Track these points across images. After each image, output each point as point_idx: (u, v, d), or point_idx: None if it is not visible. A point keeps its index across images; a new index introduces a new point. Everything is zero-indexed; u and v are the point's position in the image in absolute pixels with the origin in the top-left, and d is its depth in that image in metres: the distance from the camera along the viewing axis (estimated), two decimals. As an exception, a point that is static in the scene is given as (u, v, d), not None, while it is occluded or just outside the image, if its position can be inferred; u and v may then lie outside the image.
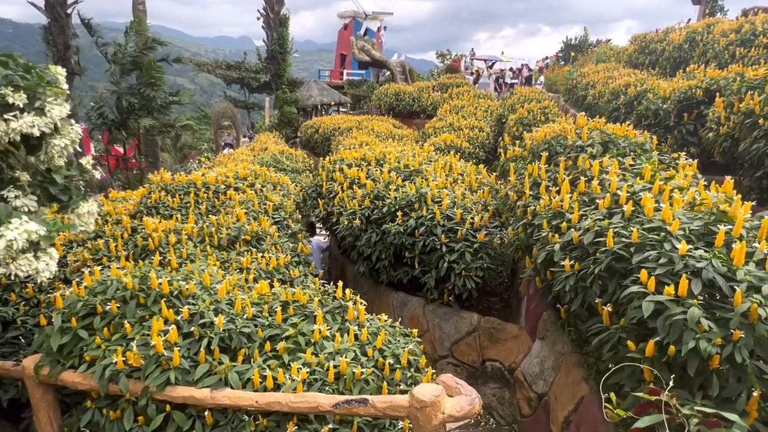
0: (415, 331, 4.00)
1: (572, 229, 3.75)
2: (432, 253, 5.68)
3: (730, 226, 3.00)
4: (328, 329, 3.60)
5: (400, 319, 5.40)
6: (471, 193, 6.61)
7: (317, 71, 43.04)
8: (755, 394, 2.45)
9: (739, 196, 3.39)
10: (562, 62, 26.95)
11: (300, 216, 7.25)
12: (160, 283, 3.61)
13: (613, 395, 2.50)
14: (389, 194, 6.45)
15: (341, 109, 27.95)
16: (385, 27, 34.52)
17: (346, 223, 6.61)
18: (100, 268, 4.21)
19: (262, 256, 5.12)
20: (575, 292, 3.60)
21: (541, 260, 3.97)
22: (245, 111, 32.68)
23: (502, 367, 5.23)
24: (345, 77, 34.36)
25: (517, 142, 6.57)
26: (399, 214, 6.04)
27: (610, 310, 3.25)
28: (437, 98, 19.79)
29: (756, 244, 2.91)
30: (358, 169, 7.61)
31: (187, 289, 3.69)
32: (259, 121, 30.78)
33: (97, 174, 3.83)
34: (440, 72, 35.26)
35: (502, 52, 37.84)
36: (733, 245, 2.80)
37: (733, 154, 6.32)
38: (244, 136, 26.65)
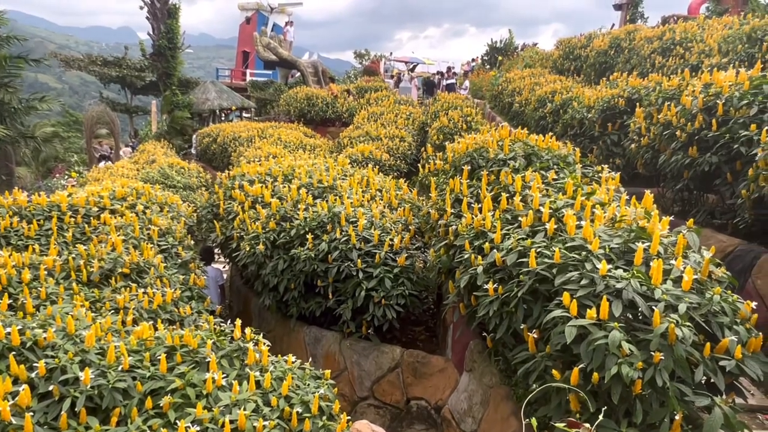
0: (327, 372, 3.98)
1: (495, 250, 3.95)
2: (348, 281, 5.70)
3: (649, 243, 3.31)
4: (223, 377, 3.49)
5: (311, 359, 5.34)
6: (390, 212, 6.73)
7: (215, 71, 41.94)
8: (677, 417, 2.69)
9: (657, 212, 3.75)
10: (488, 66, 28.42)
11: (193, 242, 7.00)
12: (8, 333, 3.31)
13: (534, 422, 2.63)
14: (298, 214, 6.42)
15: (244, 115, 27.46)
16: (291, 22, 34.51)
17: (248, 248, 6.47)
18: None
19: (144, 292, 4.87)
20: (500, 317, 3.78)
21: (464, 284, 4.12)
22: (127, 116, 31.11)
23: (429, 405, 5.32)
24: (248, 78, 33.83)
25: (440, 153, 6.82)
26: (309, 237, 6.02)
27: (535, 336, 3.44)
28: (353, 104, 20.04)
29: (673, 261, 3.23)
30: (262, 186, 7.50)
31: (44, 338, 3.42)
32: (145, 128, 29.39)
33: None
34: (357, 74, 35.81)
35: (427, 59, 39.22)
36: (652, 263, 3.09)
37: (656, 165, 6.96)
38: (126, 146, 25.31)
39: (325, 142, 15.90)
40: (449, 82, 24.58)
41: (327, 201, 6.63)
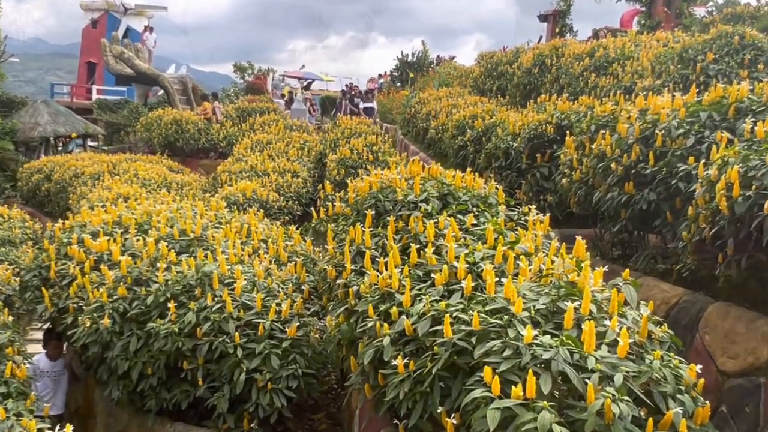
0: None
1: (404, 316, 4.00)
2: (223, 361, 5.59)
3: (580, 302, 3.50)
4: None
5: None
6: (279, 269, 6.71)
7: (50, 86, 40.36)
8: None
9: (588, 262, 3.99)
10: (398, 84, 29.42)
11: (12, 318, 6.56)
12: None
13: None
14: (157, 276, 6.27)
15: (89, 144, 26.44)
16: (150, 27, 34.06)
17: (88, 324, 6.21)
18: None
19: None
20: (413, 400, 3.81)
21: (368, 360, 4.13)
22: None
23: None
24: (95, 97, 32.89)
25: (341, 192, 6.89)
26: (172, 305, 5.86)
27: (455, 422, 3.49)
28: (233, 130, 19.95)
29: (607, 322, 3.43)
30: (109, 240, 7.26)
31: None
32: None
33: None
34: (239, 92, 35.78)
35: (325, 74, 40.03)
36: (583, 325, 3.27)
37: (591, 203, 7.44)
38: None
39: (197, 178, 15.63)
40: (368, 105, 24.37)
41: (195, 257, 6.50)
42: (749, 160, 4.93)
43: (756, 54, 9.87)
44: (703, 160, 5.67)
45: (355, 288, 4.73)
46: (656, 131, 6.53)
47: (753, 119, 5.97)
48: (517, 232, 4.97)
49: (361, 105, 25.08)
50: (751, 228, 4.61)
